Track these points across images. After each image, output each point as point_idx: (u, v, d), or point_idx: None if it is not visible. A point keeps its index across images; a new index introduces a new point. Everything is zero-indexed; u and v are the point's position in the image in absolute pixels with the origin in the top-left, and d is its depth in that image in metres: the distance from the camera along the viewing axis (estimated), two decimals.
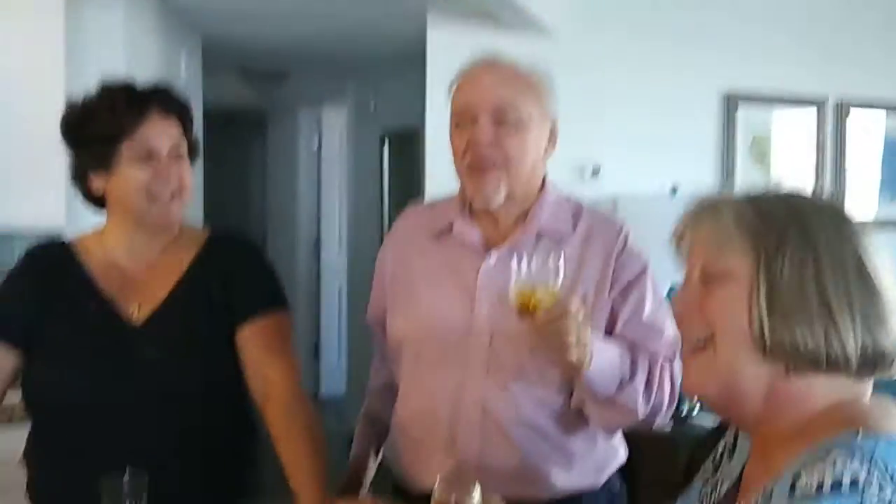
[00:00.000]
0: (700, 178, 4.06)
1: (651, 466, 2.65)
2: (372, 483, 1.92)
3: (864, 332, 0.99)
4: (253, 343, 1.73)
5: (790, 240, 1.01)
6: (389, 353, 1.85)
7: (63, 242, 1.83)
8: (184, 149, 1.75)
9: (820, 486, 0.91)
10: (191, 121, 1.78)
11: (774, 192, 1.09)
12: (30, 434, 1.78)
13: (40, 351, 1.71)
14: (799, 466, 0.95)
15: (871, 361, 1.01)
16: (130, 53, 3.45)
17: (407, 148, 5.49)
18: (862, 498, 0.89)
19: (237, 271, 1.78)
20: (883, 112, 4.48)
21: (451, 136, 1.75)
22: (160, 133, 1.70)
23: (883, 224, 4.37)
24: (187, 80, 4.36)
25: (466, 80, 1.74)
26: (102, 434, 1.66)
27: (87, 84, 1.74)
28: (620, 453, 1.82)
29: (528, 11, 3.47)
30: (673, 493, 1.28)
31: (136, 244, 1.77)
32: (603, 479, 1.77)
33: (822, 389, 1.02)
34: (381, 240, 6.53)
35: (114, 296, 1.74)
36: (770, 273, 1.00)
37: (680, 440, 3.12)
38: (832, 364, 1.00)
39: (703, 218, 1.08)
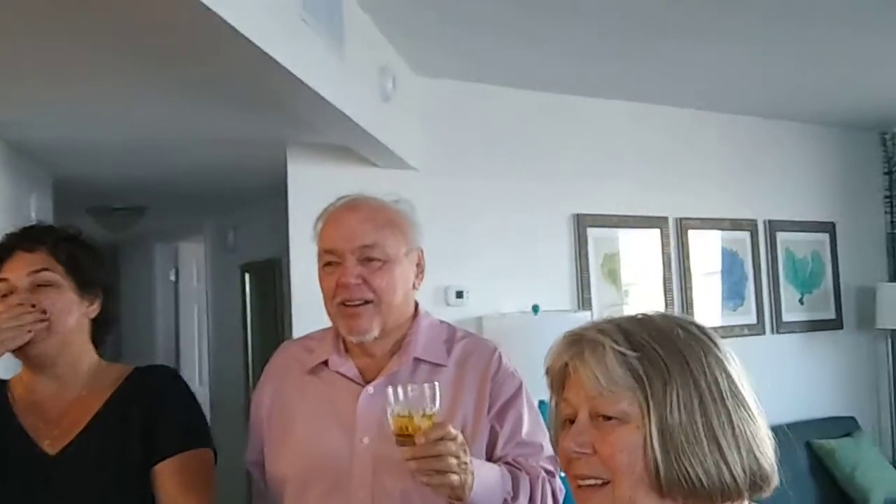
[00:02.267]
0: (559, 296, 4.24)
1: None
2: None
3: (750, 460, 1.05)
4: (170, 480, 1.70)
5: (674, 378, 1.05)
6: (271, 493, 1.81)
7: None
8: (52, 278, 1.73)
9: None
10: (72, 254, 1.76)
11: (643, 320, 1.12)
12: None
13: None
14: None
15: (756, 485, 1.06)
16: None
17: (268, 279, 5.46)
18: None
19: (159, 405, 1.75)
20: (718, 232, 4.85)
21: (319, 276, 1.77)
22: (19, 267, 1.73)
23: (728, 331, 4.67)
24: (37, 222, 4.20)
25: (331, 222, 1.77)
26: None
27: None
28: None
29: (388, 148, 3.48)
30: None
31: (44, 379, 1.76)
32: None
33: None
34: (245, 371, 6.29)
35: (32, 431, 1.71)
36: (660, 416, 1.03)
37: None
38: (725, 496, 1.05)
39: (583, 357, 1.09)
